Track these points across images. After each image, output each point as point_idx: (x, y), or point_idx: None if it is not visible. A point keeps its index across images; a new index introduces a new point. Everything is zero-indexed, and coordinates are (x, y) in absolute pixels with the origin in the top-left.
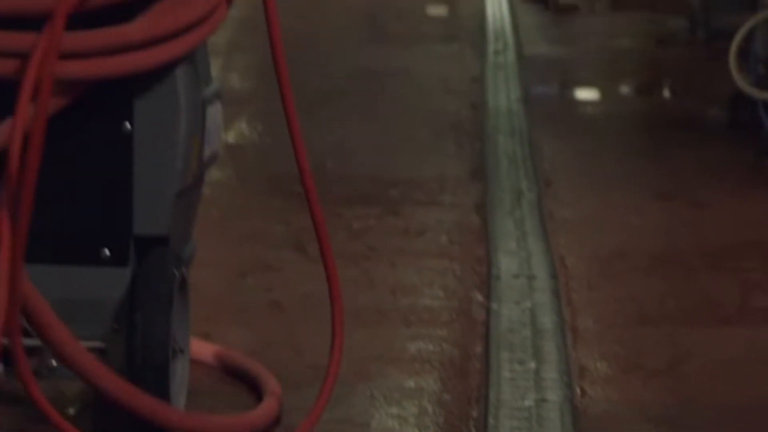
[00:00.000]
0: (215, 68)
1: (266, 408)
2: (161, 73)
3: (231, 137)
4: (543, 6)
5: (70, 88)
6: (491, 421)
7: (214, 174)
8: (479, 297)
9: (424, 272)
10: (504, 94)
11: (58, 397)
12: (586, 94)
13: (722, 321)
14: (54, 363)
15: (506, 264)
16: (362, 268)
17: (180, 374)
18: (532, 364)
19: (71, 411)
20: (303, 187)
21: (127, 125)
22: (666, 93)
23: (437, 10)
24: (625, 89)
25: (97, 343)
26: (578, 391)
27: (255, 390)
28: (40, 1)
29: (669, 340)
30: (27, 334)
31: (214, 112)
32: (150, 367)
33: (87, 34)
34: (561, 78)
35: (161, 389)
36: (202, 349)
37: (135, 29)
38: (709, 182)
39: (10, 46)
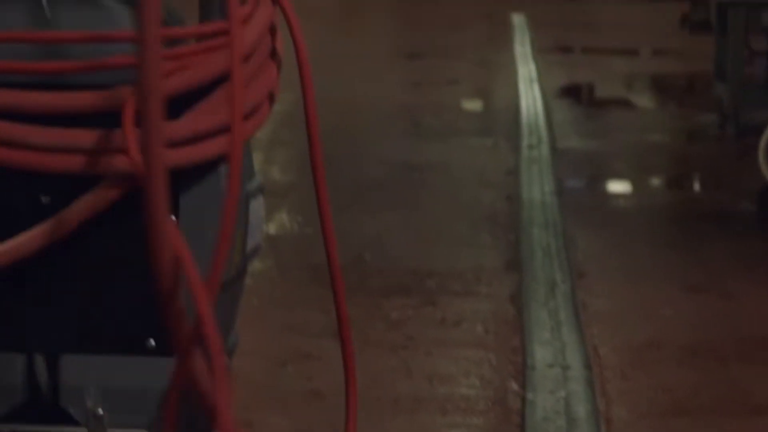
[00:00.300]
0: (257, 162)
1: None
2: (206, 168)
3: (272, 228)
4: (575, 100)
5: (117, 182)
6: None
7: (255, 264)
8: (514, 386)
9: (461, 362)
10: (538, 187)
11: None
12: (618, 187)
13: (754, 411)
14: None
15: (541, 354)
16: (400, 357)
17: None
18: None
19: None
20: (331, 277)
21: (173, 219)
22: (696, 187)
23: (473, 105)
24: (656, 183)
25: (142, 431)
26: None
27: None
28: (103, 99)
29: (702, 430)
30: None
31: (257, 206)
32: None
33: (136, 130)
34: (594, 171)
35: None
36: None
37: (182, 126)
38: (739, 274)
39: (74, 142)
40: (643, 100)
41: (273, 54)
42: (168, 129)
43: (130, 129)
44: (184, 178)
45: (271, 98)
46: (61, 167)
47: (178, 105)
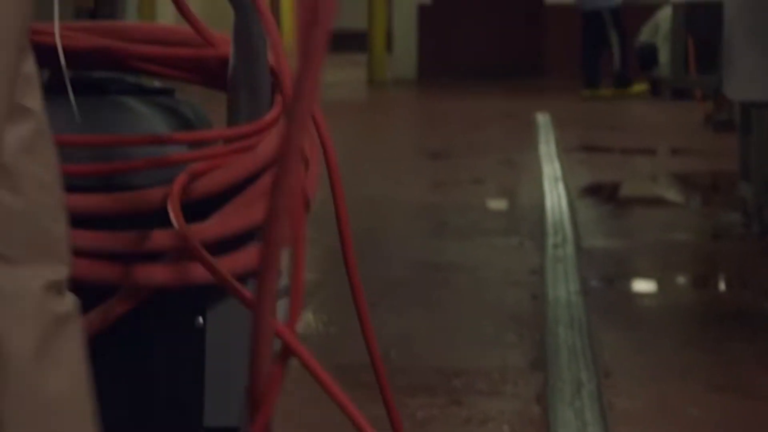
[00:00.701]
0: (281, 262)
1: None
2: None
3: (298, 328)
4: (600, 199)
5: (138, 290)
6: None
7: None
8: None
9: None
10: (563, 286)
11: None
12: (642, 286)
13: None
14: None
15: None
16: None
17: None
18: None
19: None
20: (375, 375)
21: (200, 320)
22: (721, 286)
23: (497, 204)
24: (680, 282)
25: None
26: None
27: None
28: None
29: None
30: None
31: (283, 308)
32: None
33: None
34: (618, 270)
35: None
36: None
37: (209, 228)
38: (763, 374)
39: (111, 246)
40: (667, 198)
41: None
42: (197, 232)
43: (184, 226)
44: (210, 292)
45: (306, 202)
46: (101, 275)
47: (207, 206)
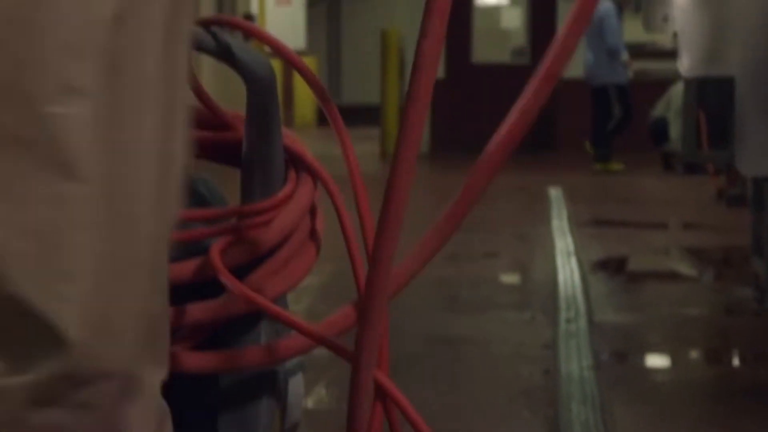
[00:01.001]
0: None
1: None
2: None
3: (310, 402)
4: (612, 274)
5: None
6: None
7: None
8: None
9: None
10: (576, 361)
11: None
12: (655, 361)
13: None
14: None
15: None
16: None
17: None
18: None
19: None
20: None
21: (213, 396)
22: (734, 362)
23: (510, 278)
24: (693, 357)
25: None
26: None
27: None
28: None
29: None
30: None
31: (296, 384)
32: None
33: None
34: (631, 345)
35: None
36: None
37: (225, 304)
38: None
39: None
40: (679, 273)
41: (312, 234)
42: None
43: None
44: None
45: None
46: None
47: (220, 283)
